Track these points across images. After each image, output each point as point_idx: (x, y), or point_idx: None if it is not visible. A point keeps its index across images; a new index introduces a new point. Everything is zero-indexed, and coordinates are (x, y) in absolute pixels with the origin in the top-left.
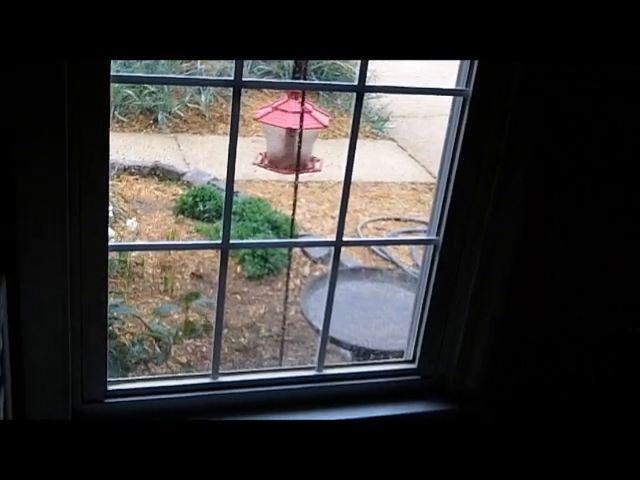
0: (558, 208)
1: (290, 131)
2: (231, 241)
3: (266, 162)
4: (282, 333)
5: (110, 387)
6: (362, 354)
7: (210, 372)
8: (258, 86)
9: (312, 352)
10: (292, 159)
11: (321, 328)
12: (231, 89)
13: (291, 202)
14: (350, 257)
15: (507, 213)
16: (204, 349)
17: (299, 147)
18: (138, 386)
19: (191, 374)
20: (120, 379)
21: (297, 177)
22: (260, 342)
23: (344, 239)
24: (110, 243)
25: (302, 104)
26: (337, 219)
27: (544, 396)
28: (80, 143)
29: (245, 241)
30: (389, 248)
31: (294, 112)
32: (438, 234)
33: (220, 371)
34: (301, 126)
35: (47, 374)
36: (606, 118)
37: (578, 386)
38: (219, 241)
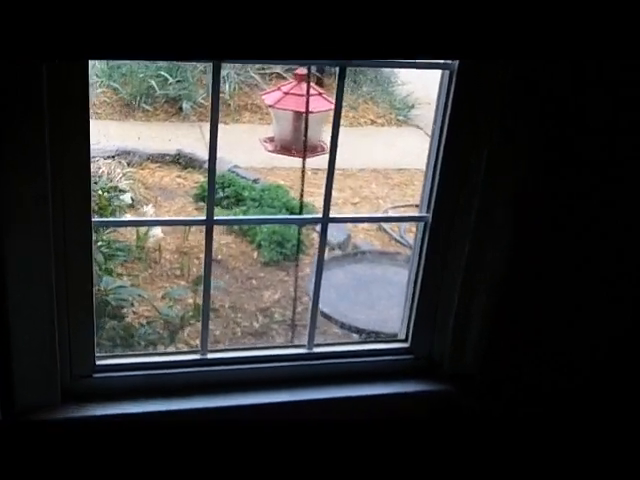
0: (554, 188)
1: (300, 114)
2: (215, 217)
3: (275, 146)
4: (293, 317)
5: (99, 362)
6: (368, 336)
7: (199, 348)
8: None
9: (324, 337)
10: (301, 142)
11: (326, 311)
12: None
13: (312, 189)
14: (369, 242)
15: (499, 190)
16: (217, 333)
17: (306, 130)
18: (127, 361)
19: (180, 351)
20: (109, 354)
21: (304, 160)
22: (273, 326)
23: (331, 216)
24: (94, 219)
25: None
26: (323, 195)
27: (539, 378)
28: (61, 126)
29: (228, 217)
30: (409, 234)
31: (303, 95)
32: (428, 211)
33: (209, 348)
34: (307, 108)
35: (34, 350)
36: (602, 106)
37: (574, 370)
38: (203, 217)
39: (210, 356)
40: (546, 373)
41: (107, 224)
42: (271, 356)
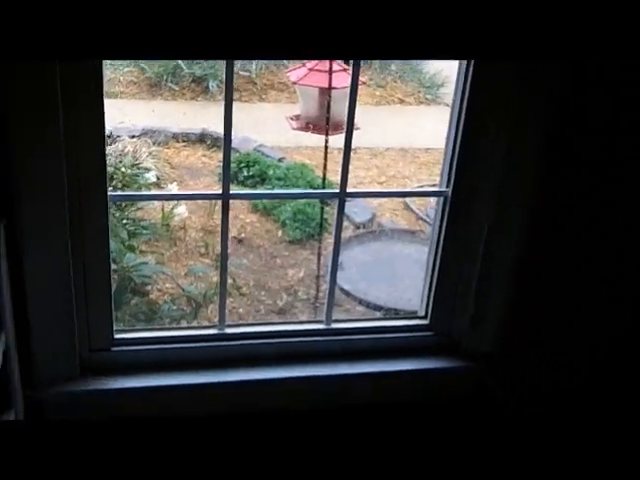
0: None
1: (325, 91)
2: (231, 191)
3: (300, 124)
4: (316, 295)
5: (117, 336)
6: (393, 314)
7: (217, 323)
8: None
9: (347, 315)
10: (329, 119)
11: (347, 288)
12: None
13: (337, 168)
14: (395, 222)
15: (518, 164)
16: (241, 310)
17: (328, 106)
18: (145, 335)
19: (199, 325)
20: (127, 328)
21: (327, 136)
22: (297, 305)
23: (348, 190)
24: (110, 193)
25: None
26: (340, 170)
27: (558, 354)
28: (75, 103)
29: (244, 192)
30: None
31: (328, 71)
32: (448, 185)
33: (227, 323)
34: (330, 84)
35: (52, 323)
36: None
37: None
38: (220, 191)
39: (228, 331)
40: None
41: (124, 198)
42: (289, 331)
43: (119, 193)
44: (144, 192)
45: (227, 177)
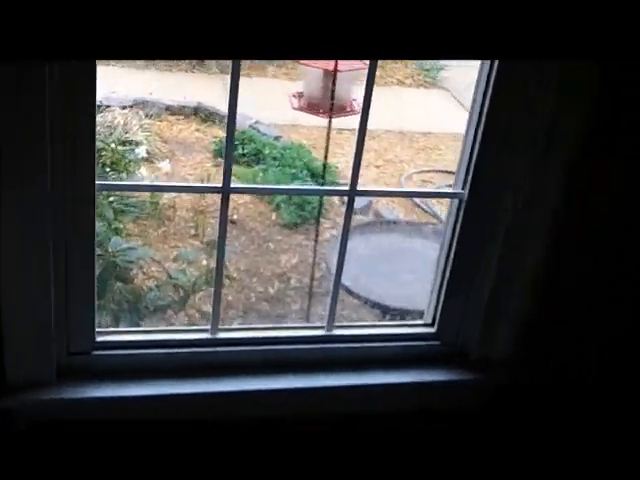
0: (600, 167)
1: (328, 72)
2: (232, 185)
3: (302, 103)
4: (310, 285)
5: (99, 338)
6: (390, 313)
7: (209, 327)
8: None
9: (341, 307)
10: (330, 101)
11: (347, 284)
12: None
13: (336, 149)
14: (392, 210)
15: (544, 171)
16: (230, 298)
17: (332, 90)
18: (129, 338)
19: (189, 328)
20: (110, 330)
21: (330, 122)
22: (289, 293)
23: (359, 189)
24: (98, 182)
25: None
26: (351, 167)
27: (575, 371)
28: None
29: (245, 185)
30: (433, 201)
31: None
32: (464, 187)
33: (220, 327)
34: (335, 67)
35: (27, 322)
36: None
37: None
38: (219, 184)
39: (220, 335)
40: (585, 366)
41: (110, 187)
42: (286, 338)
43: (107, 182)
44: (133, 181)
45: (229, 169)
